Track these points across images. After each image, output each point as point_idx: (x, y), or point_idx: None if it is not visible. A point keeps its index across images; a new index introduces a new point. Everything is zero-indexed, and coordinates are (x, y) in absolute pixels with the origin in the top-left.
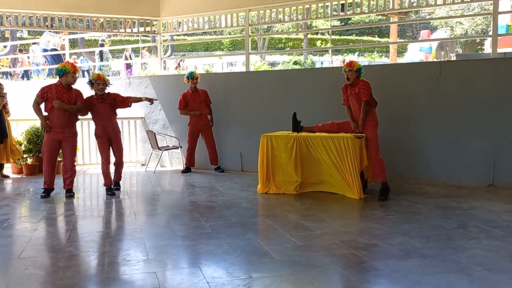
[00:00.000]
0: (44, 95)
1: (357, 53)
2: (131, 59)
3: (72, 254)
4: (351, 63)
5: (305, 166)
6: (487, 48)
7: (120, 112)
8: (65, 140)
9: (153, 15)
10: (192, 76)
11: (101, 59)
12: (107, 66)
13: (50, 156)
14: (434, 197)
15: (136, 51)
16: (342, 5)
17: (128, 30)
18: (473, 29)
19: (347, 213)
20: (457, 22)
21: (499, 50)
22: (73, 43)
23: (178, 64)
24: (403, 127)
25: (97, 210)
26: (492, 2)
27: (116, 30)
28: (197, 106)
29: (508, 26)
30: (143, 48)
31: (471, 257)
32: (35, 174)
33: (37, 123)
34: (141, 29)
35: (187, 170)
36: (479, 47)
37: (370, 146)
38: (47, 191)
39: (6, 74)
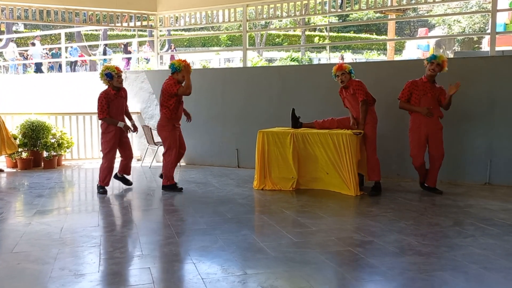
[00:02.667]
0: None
1: (351, 50)
2: (131, 53)
3: (66, 249)
4: (341, 67)
5: (301, 163)
6: (485, 47)
7: None
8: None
9: (150, 9)
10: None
11: (104, 54)
12: (110, 60)
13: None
14: (430, 195)
15: (141, 43)
16: (341, 1)
17: (125, 24)
18: (470, 27)
19: (343, 210)
20: (454, 20)
21: (497, 48)
22: (70, 37)
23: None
24: (399, 124)
25: (91, 205)
26: (490, 0)
27: (113, 24)
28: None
29: (506, 24)
30: (145, 43)
31: (467, 255)
32: (29, 168)
33: (32, 117)
34: (138, 23)
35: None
36: (477, 45)
37: (368, 145)
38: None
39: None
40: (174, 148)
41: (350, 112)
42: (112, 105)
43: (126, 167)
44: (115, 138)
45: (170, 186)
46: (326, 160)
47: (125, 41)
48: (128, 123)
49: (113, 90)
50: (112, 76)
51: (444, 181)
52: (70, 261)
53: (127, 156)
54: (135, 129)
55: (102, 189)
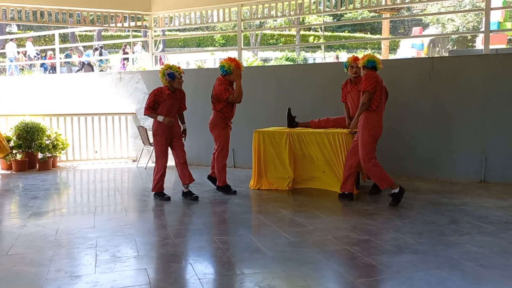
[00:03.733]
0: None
1: (345, 50)
2: (127, 53)
3: (62, 251)
4: (358, 58)
5: (297, 162)
6: (479, 45)
7: (110, 107)
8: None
9: (144, 9)
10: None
11: (100, 55)
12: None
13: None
14: (426, 193)
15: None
16: (335, 1)
17: (119, 24)
18: (464, 26)
19: (339, 209)
20: (448, 19)
21: (491, 47)
22: (64, 38)
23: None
24: (395, 123)
25: (87, 207)
26: None
27: (107, 25)
28: None
29: (500, 23)
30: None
31: (464, 253)
32: (24, 170)
33: (27, 118)
34: (132, 23)
35: None
36: (471, 44)
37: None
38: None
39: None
40: (226, 147)
41: (346, 109)
42: (163, 105)
43: (185, 175)
44: (163, 140)
45: (224, 188)
46: (322, 159)
47: (119, 41)
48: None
49: (168, 90)
50: (174, 77)
51: (440, 179)
52: (66, 262)
53: (178, 159)
54: (184, 134)
55: (158, 195)
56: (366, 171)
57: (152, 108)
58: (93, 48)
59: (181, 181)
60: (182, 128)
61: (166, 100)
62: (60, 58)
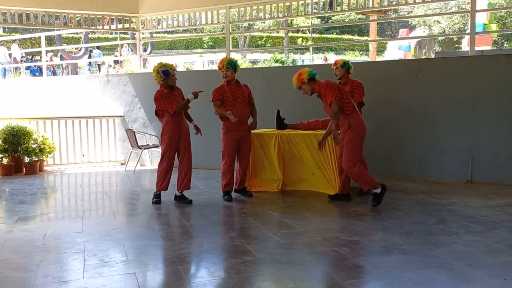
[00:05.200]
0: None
1: (334, 52)
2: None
3: (49, 256)
4: (335, 61)
5: (287, 164)
6: (465, 47)
7: (98, 110)
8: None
9: (131, 11)
10: None
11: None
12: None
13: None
14: (414, 193)
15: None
16: (323, 3)
17: (106, 27)
18: (450, 28)
19: (328, 210)
20: (435, 21)
21: (477, 48)
22: (50, 41)
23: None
24: (382, 124)
25: (75, 211)
26: (469, 0)
27: (94, 27)
28: None
29: (485, 25)
30: (127, 46)
31: (451, 253)
32: (11, 175)
33: (13, 122)
34: (120, 26)
35: None
36: (457, 45)
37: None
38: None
39: None
40: (225, 153)
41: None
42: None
43: (181, 181)
44: (172, 138)
45: (241, 190)
46: (311, 161)
47: (107, 43)
48: (190, 124)
49: (166, 89)
50: (169, 74)
51: (428, 179)
52: (54, 268)
53: (182, 166)
54: (198, 130)
55: (156, 198)
56: (350, 176)
57: (169, 105)
58: (87, 50)
59: (177, 185)
60: (193, 126)
61: (169, 98)
62: (51, 61)
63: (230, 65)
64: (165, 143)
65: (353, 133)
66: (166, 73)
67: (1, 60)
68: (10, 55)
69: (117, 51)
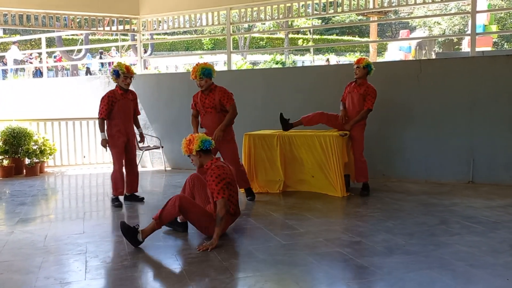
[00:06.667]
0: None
1: (334, 53)
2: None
3: (50, 257)
4: (359, 60)
5: (288, 165)
6: (465, 48)
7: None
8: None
9: (132, 13)
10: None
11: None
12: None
13: None
14: (415, 194)
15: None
16: (323, 4)
17: (107, 28)
18: (450, 29)
19: (330, 211)
20: (435, 22)
21: (477, 49)
22: (50, 42)
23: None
24: (384, 125)
25: (75, 212)
26: (470, 1)
27: (94, 29)
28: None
29: (485, 26)
30: (129, 48)
31: (454, 253)
32: (11, 176)
33: (13, 123)
34: (120, 27)
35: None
36: (457, 46)
37: (356, 147)
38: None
39: None
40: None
41: (343, 107)
42: (117, 105)
43: (132, 184)
44: (117, 142)
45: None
46: (313, 162)
47: (107, 45)
48: (136, 131)
49: (120, 90)
50: (118, 74)
51: (429, 180)
52: (55, 269)
53: (130, 170)
54: (142, 139)
55: (116, 201)
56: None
57: (104, 112)
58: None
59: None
60: (138, 133)
61: (120, 101)
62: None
63: (203, 75)
64: (114, 152)
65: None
66: (115, 72)
67: (15, 58)
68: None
69: (104, 54)
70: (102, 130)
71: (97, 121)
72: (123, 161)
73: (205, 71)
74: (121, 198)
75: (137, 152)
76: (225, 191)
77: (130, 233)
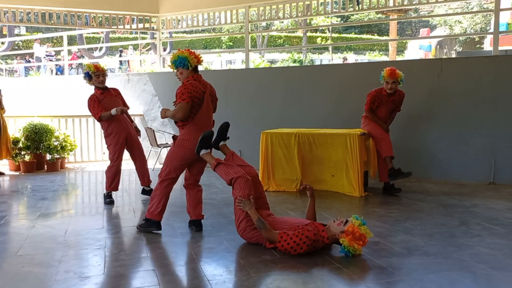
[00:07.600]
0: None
1: (353, 51)
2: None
3: (70, 252)
4: (394, 74)
5: (306, 164)
6: (487, 46)
7: None
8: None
9: (152, 11)
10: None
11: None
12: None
13: None
14: (435, 195)
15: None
16: (343, 2)
17: (127, 26)
18: (472, 28)
19: (348, 211)
20: (456, 21)
21: (500, 48)
22: (71, 40)
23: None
24: (403, 125)
25: (95, 207)
26: (492, 0)
27: (115, 27)
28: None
29: (508, 24)
30: (148, 46)
31: (474, 255)
32: (32, 171)
33: (35, 120)
34: (140, 25)
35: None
36: (478, 45)
37: (382, 148)
38: None
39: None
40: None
41: (375, 116)
42: (103, 104)
43: (142, 176)
44: (119, 139)
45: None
46: (333, 161)
47: (126, 43)
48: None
49: (98, 90)
50: (90, 76)
51: (449, 181)
52: (74, 263)
53: (138, 160)
54: (138, 133)
55: (108, 198)
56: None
57: (98, 109)
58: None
59: (140, 182)
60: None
61: (103, 100)
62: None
63: (174, 64)
64: (113, 150)
65: None
66: (87, 75)
67: (40, 55)
68: (32, 54)
69: (123, 52)
70: (107, 114)
71: None
72: (122, 157)
73: (175, 60)
74: (114, 194)
75: (154, 150)
76: None
77: (205, 141)
